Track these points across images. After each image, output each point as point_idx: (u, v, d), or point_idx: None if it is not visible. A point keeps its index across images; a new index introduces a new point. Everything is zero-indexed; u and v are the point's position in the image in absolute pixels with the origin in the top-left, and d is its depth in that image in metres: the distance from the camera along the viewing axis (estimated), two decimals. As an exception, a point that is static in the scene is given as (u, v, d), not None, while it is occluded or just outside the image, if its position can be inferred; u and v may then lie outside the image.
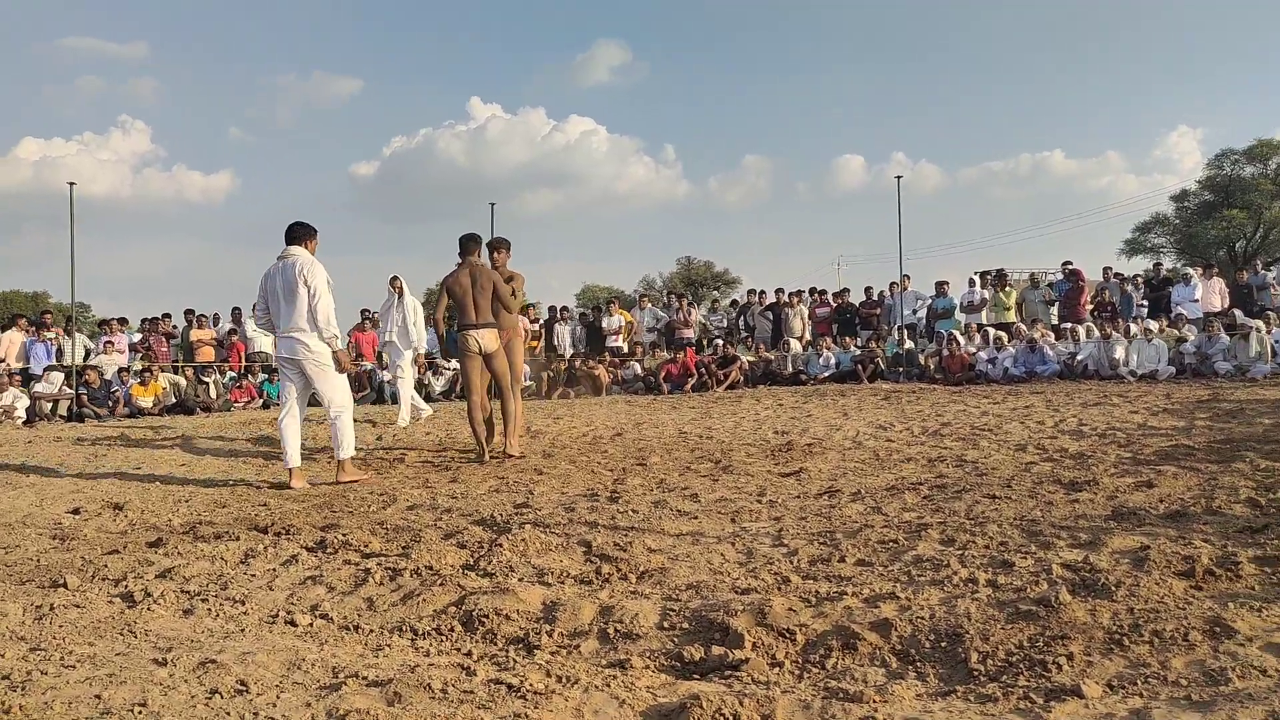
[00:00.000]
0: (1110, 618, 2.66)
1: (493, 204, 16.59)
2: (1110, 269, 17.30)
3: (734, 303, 21.07)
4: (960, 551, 3.60)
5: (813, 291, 18.74)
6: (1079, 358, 14.14)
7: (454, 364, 16.43)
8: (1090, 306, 16.50)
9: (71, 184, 13.89)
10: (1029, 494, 4.79)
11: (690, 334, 17.50)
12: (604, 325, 17.74)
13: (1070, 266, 16.87)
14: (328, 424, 6.40)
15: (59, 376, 13.82)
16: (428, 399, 15.12)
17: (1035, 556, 3.44)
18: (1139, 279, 17.61)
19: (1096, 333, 14.37)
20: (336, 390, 6.27)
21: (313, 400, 6.52)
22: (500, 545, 3.88)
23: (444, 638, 2.93)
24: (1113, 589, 2.92)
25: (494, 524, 4.48)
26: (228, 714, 2.18)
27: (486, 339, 7.20)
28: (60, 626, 2.98)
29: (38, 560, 4.00)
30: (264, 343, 16.51)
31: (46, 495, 5.86)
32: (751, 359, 16.18)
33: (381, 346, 10.74)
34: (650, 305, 19.33)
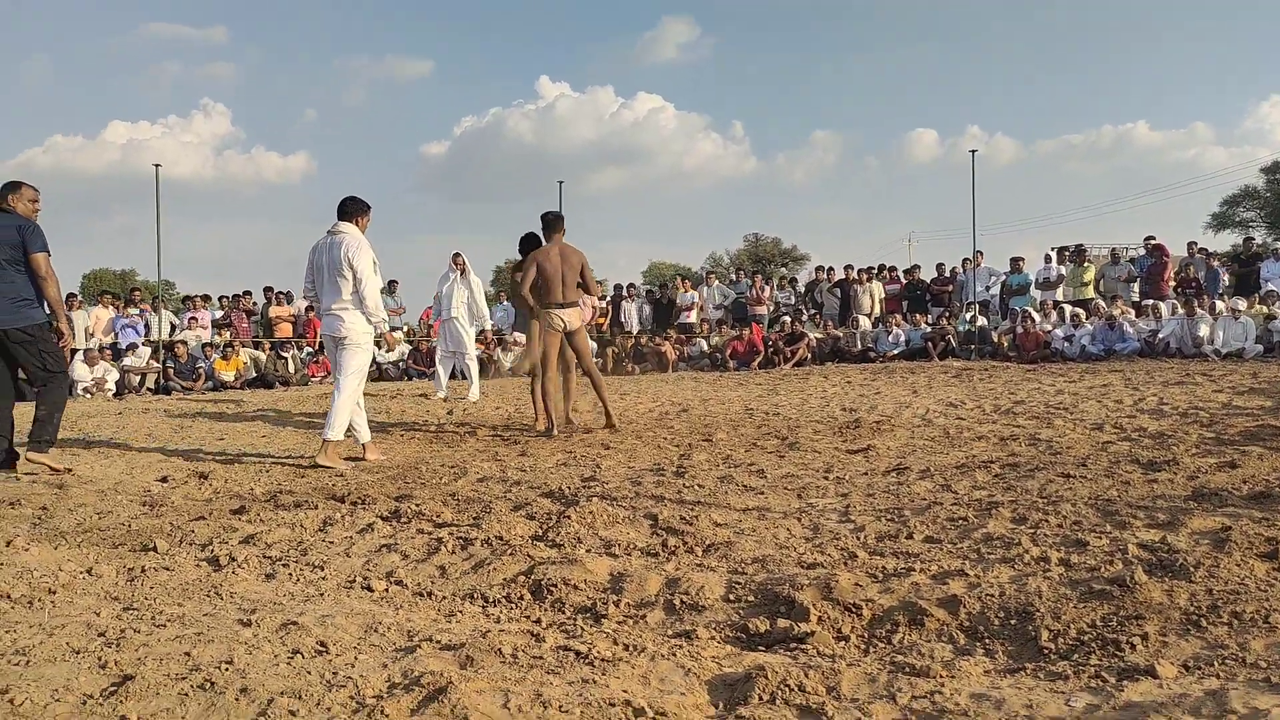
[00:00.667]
0: (1188, 598, 2.60)
1: (560, 182, 16.69)
2: (1195, 244, 16.69)
3: (793, 280, 20.88)
4: (1032, 530, 3.55)
5: (882, 268, 18.48)
6: (1161, 336, 13.70)
7: (522, 339, 16.64)
8: (1174, 283, 15.96)
9: (157, 166, 14.36)
10: (1105, 473, 4.68)
11: (763, 311, 17.42)
12: (678, 301, 17.75)
13: (1153, 241, 16.32)
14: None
15: (146, 351, 14.36)
16: (495, 374, 15.33)
17: (1110, 536, 3.38)
18: (1226, 256, 16.96)
19: (1180, 310, 13.90)
20: (353, 372, 6.09)
21: (374, 377, 6.61)
22: (568, 517, 3.94)
23: (514, 605, 2.99)
24: (1191, 570, 2.85)
25: (562, 496, 4.54)
26: (309, 673, 2.26)
27: (572, 317, 7.31)
28: (151, 588, 3.13)
29: (129, 525, 4.18)
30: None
31: (136, 464, 6.11)
32: (819, 336, 16.04)
33: (443, 324, 10.89)
34: (718, 282, 19.27)
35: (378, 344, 6.32)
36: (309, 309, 16.99)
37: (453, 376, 11.34)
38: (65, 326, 5.75)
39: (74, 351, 12.64)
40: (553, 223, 7.34)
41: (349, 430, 6.12)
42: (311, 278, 6.23)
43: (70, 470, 5.73)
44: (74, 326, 6.22)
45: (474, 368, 10.90)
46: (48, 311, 5.65)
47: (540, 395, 7.55)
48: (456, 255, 10.78)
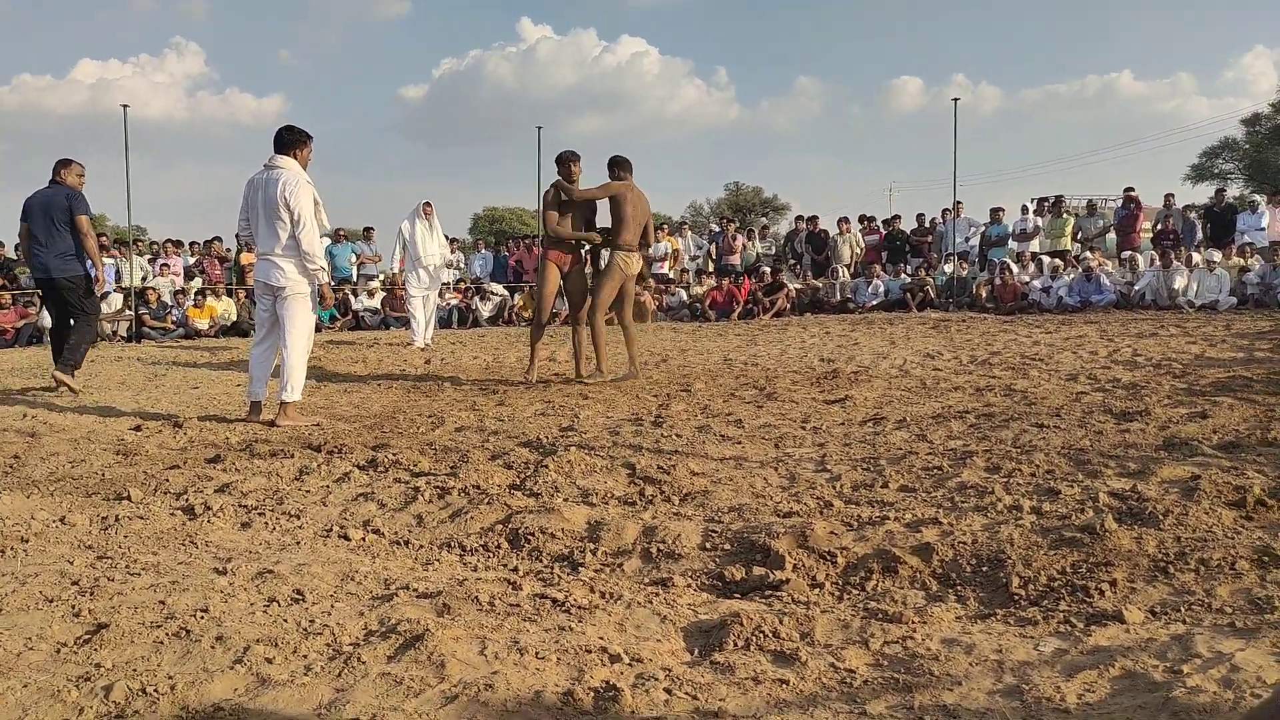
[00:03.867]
0: (1156, 546, 2.64)
1: (539, 127, 16.47)
2: (1172, 196, 16.73)
3: (768, 229, 20.79)
4: (1005, 479, 3.59)
5: (862, 218, 18.43)
6: (1136, 287, 13.80)
7: (500, 290, 16.53)
8: (1150, 235, 16.02)
9: (125, 106, 14.05)
10: (1078, 423, 4.73)
11: (736, 261, 17.34)
12: (650, 253, 17.62)
13: (1131, 193, 16.35)
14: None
15: (118, 298, 14.16)
16: (475, 324, 15.27)
17: (1082, 485, 3.42)
18: (1203, 208, 17.02)
19: (1157, 261, 13.99)
20: (300, 326, 5.57)
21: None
22: (546, 466, 3.94)
23: (491, 554, 3.00)
24: (1160, 518, 2.90)
25: (540, 446, 4.54)
26: (285, 621, 2.27)
27: (638, 264, 7.17)
28: (125, 537, 3.11)
29: (102, 474, 4.15)
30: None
31: (109, 413, 6.05)
32: (799, 286, 16.04)
33: (414, 270, 10.91)
34: (691, 233, 19.16)
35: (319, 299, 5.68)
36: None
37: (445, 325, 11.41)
38: (101, 274, 7.34)
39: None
40: (626, 164, 7.08)
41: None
42: (246, 216, 5.62)
43: (78, 392, 6.80)
44: (103, 272, 7.74)
45: (430, 313, 11.13)
46: (88, 263, 7.12)
47: (590, 339, 7.13)
48: (427, 204, 10.99)
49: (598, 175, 8.00)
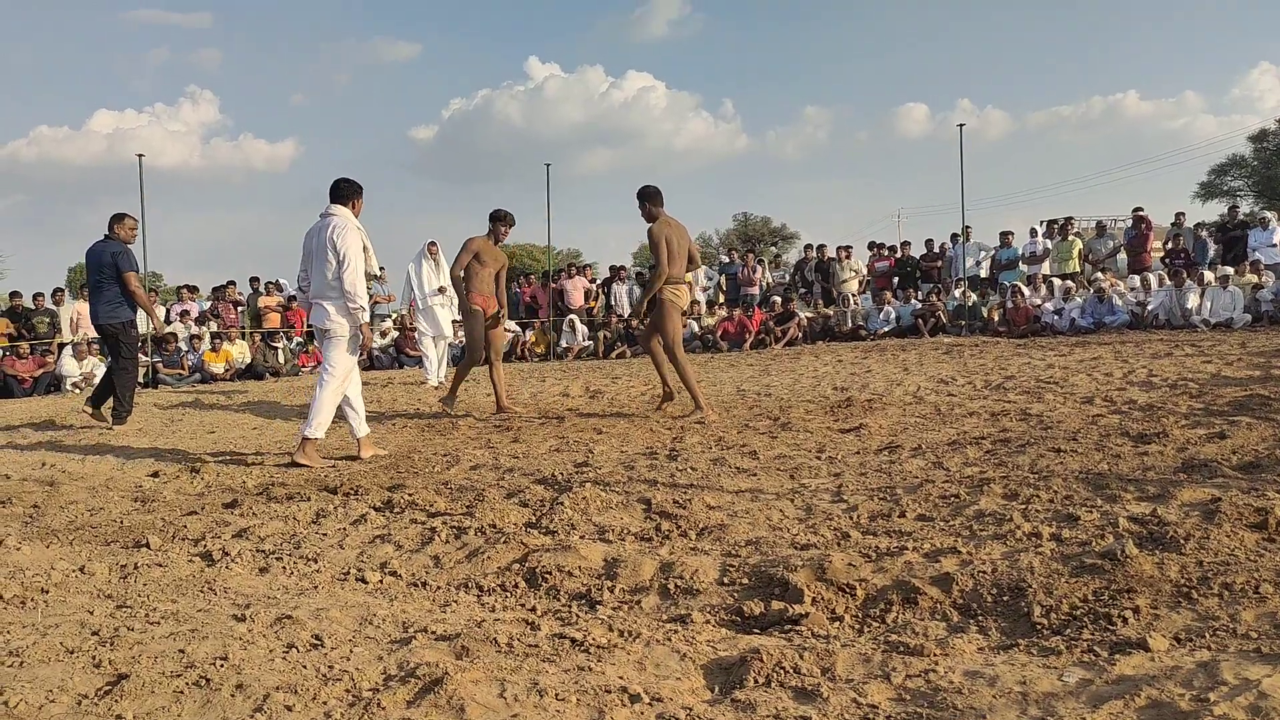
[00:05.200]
0: (1178, 571, 2.62)
1: (548, 165, 16.60)
2: (1183, 215, 16.69)
3: (780, 259, 20.85)
4: (1023, 506, 3.56)
5: (872, 245, 18.44)
6: (1150, 307, 13.74)
7: (512, 326, 16.59)
8: (1161, 254, 15.97)
9: (140, 156, 14.19)
10: (1095, 447, 4.70)
11: (754, 291, 17.37)
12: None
13: (1140, 212, 16.33)
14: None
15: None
16: (487, 361, 15.30)
17: (1101, 510, 3.39)
18: (1214, 226, 16.97)
19: (1169, 281, 13.93)
20: (336, 366, 5.73)
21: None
22: (562, 503, 3.94)
23: (509, 594, 3.00)
24: (1181, 542, 2.87)
25: (555, 483, 4.54)
26: (304, 667, 2.26)
27: (688, 295, 7.28)
28: (144, 584, 3.12)
29: (121, 521, 4.17)
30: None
31: (127, 459, 6.09)
32: (810, 315, 16.03)
33: (423, 310, 11.02)
34: (704, 266, 19.21)
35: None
36: (292, 298, 16.92)
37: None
38: (157, 320, 8.46)
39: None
40: (656, 195, 7.01)
41: (346, 424, 5.97)
42: (305, 265, 5.92)
43: (110, 424, 7.74)
44: (158, 318, 8.71)
45: (435, 354, 11.19)
46: (135, 312, 7.88)
47: (682, 377, 6.89)
48: (432, 244, 11.15)
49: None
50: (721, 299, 17.62)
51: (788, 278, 18.58)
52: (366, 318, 5.84)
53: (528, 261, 40.57)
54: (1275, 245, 14.92)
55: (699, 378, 7.42)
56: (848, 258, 17.47)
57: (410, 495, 4.30)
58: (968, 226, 16.86)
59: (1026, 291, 14.65)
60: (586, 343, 15.91)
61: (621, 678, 2.18)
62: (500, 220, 7.88)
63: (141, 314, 8.20)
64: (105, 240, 7.80)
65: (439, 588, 3.09)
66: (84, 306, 15.10)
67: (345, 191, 5.89)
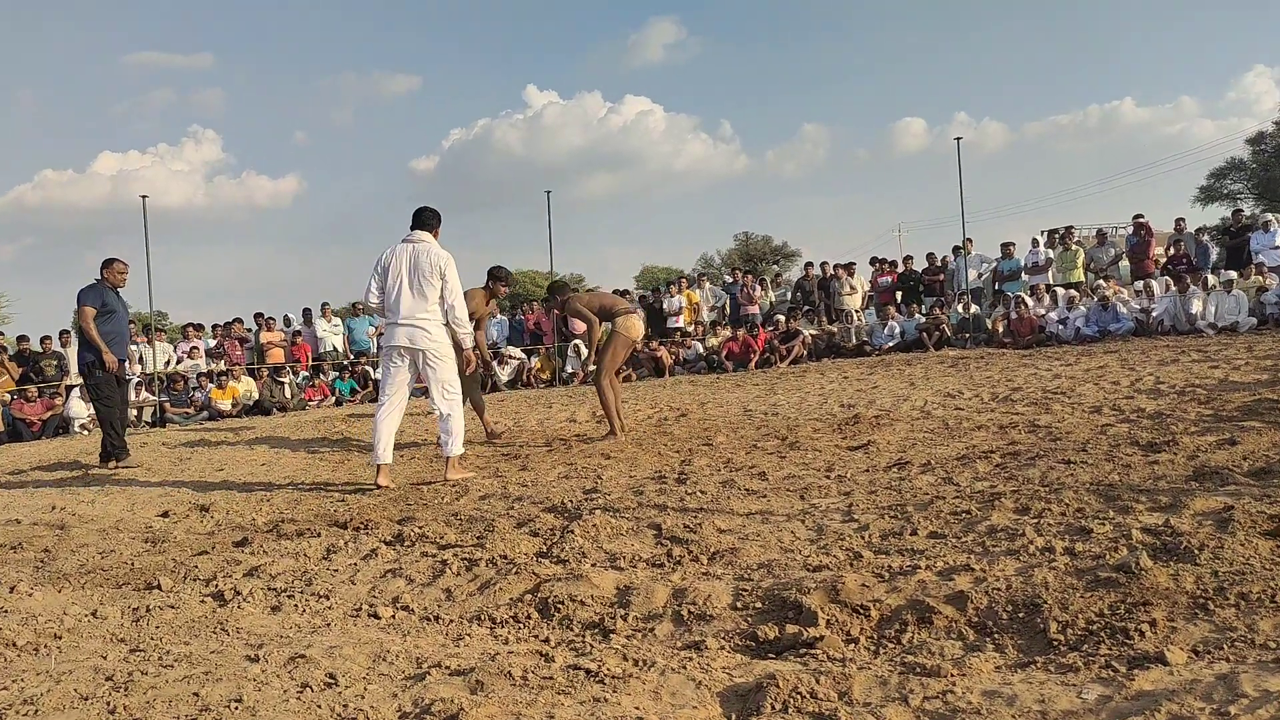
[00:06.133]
0: (1194, 582, 2.60)
1: (548, 191, 16.69)
2: (1183, 220, 16.70)
3: (779, 277, 20.88)
4: (1035, 520, 3.55)
5: (874, 261, 18.46)
6: (1154, 314, 13.72)
7: (518, 353, 16.62)
8: (1163, 260, 15.97)
9: (144, 197, 14.29)
10: (1105, 457, 4.69)
11: (755, 311, 17.38)
12: (665, 307, 17.69)
13: (1140, 219, 16.35)
14: (435, 418, 6.12)
15: (139, 384, 14.33)
16: (494, 389, 15.32)
17: (1114, 522, 3.38)
18: (1215, 230, 16.97)
19: (1172, 287, 13.92)
20: (454, 383, 5.97)
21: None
22: (572, 532, 3.94)
23: (521, 625, 2.99)
24: (1195, 552, 2.85)
25: (565, 511, 4.53)
26: (319, 707, 2.26)
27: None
28: (157, 627, 3.12)
29: (132, 564, 4.17)
30: (334, 341, 16.87)
31: (137, 500, 6.09)
32: (814, 332, 16.03)
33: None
34: (709, 285, 19.24)
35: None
36: (296, 333, 16.96)
37: None
38: (109, 359, 7.78)
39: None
40: (564, 288, 8.33)
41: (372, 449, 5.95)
42: (381, 286, 5.95)
43: (125, 467, 7.79)
44: (111, 357, 7.89)
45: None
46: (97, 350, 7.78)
47: (603, 402, 7.77)
48: None
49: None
50: (725, 319, 17.62)
51: (789, 296, 18.60)
52: (471, 341, 6.18)
53: (531, 288, 40.65)
54: (1278, 247, 14.91)
55: (621, 408, 7.99)
56: (850, 275, 17.51)
57: (420, 528, 4.30)
58: (968, 239, 16.89)
59: (1030, 302, 14.65)
60: (592, 368, 15.89)
61: (638, 708, 2.17)
62: (501, 280, 8.15)
63: (131, 349, 8.40)
64: (92, 285, 7.98)
65: (452, 621, 3.08)
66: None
67: (431, 220, 6.10)
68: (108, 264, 8.09)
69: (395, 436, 5.98)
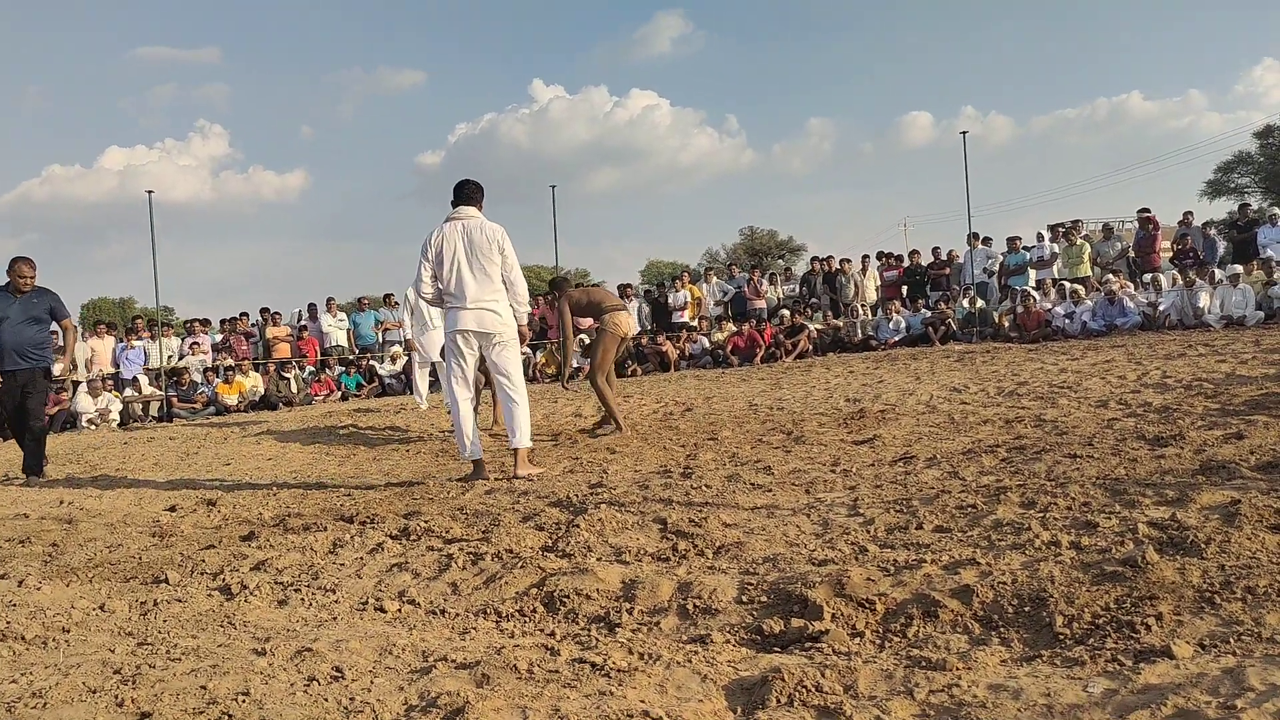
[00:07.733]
0: (1200, 576, 2.60)
1: (553, 186, 16.69)
2: (1190, 214, 16.64)
3: (788, 271, 20.86)
4: (1041, 514, 3.54)
5: (880, 255, 18.44)
6: (1161, 308, 13.68)
7: (524, 349, 16.61)
8: (1170, 254, 15.91)
9: (150, 192, 14.38)
10: (1112, 451, 4.68)
11: (761, 305, 17.37)
12: (670, 301, 17.69)
13: (1146, 213, 16.29)
14: (499, 406, 5.69)
15: (145, 379, 14.38)
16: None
17: (1120, 516, 3.37)
18: (1223, 223, 16.91)
19: (1179, 281, 13.87)
20: (520, 371, 5.64)
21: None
22: (578, 526, 3.94)
23: (527, 619, 2.99)
24: (1202, 546, 2.85)
25: (570, 505, 4.54)
26: (325, 700, 2.27)
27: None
28: (164, 621, 3.13)
29: (139, 557, 4.18)
30: (339, 336, 16.87)
31: (144, 494, 6.11)
32: (819, 327, 16.02)
33: (424, 336, 11.07)
34: (716, 279, 19.23)
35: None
36: (303, 328, 16.98)
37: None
38: None
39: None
40: (563, 283, 8.13)
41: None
42: (435, 271, 5.54)
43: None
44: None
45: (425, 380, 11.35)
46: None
47: (601, 398, 7.72)
48: None
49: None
50: (729, 314, 17.62)
51: (795, 291, 18.58)
52: (526, 319, 5.74)
53: (535, 283, 40.61)
54: (1285, 240, 14.85)
55: (622, 407, 8.15)
56: (863, 271, 17.46)
57: (426, 522, 4.30)
58: (975, 234, 16.85)
59: (1036, 296, 14.62)
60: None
61: (643, 701, 2.17)
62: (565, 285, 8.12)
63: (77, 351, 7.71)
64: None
65: (457, 615, 3.09)
66: (98, 344, 15.26)
67: (476, 193, 5.66)
68: (10, 265, 7.27)
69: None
